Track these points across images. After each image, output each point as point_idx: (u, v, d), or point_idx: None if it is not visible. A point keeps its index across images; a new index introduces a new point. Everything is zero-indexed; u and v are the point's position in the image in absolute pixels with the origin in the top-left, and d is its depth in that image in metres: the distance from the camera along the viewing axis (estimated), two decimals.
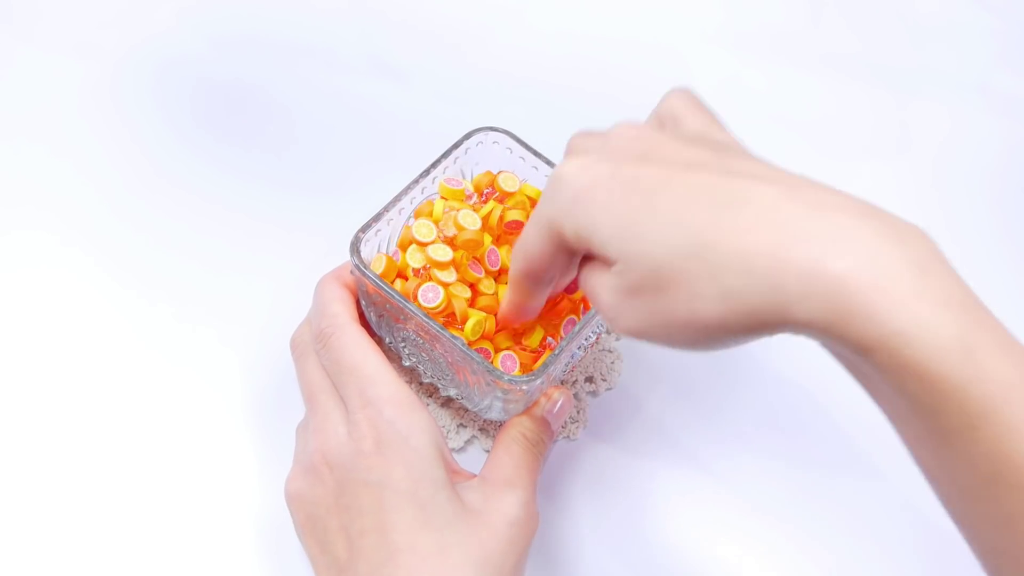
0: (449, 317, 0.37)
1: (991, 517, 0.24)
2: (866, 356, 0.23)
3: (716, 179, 0.26)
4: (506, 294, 0.35)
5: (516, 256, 0.32)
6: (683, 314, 0.25)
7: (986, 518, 0.24)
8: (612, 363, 0.45)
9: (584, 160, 0.28)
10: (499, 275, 0.39)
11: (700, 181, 0.26)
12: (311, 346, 0.37)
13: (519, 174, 0.42)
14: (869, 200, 0.25)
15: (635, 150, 0.28)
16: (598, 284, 0.29)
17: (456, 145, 0.41)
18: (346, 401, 0.35)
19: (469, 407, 0.40)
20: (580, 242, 0.28)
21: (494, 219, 0.39)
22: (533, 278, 0.32)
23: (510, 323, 0.37)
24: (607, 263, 0.28)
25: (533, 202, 0.41)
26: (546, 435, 0.38)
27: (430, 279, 0.37)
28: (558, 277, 0.33)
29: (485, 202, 0.41)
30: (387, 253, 0.39)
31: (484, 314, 0.37)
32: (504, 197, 0.41)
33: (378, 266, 0.38)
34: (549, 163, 0.41)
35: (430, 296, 0.37)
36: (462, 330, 0.37)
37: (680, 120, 0.30)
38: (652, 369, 0.46)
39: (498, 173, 0.41)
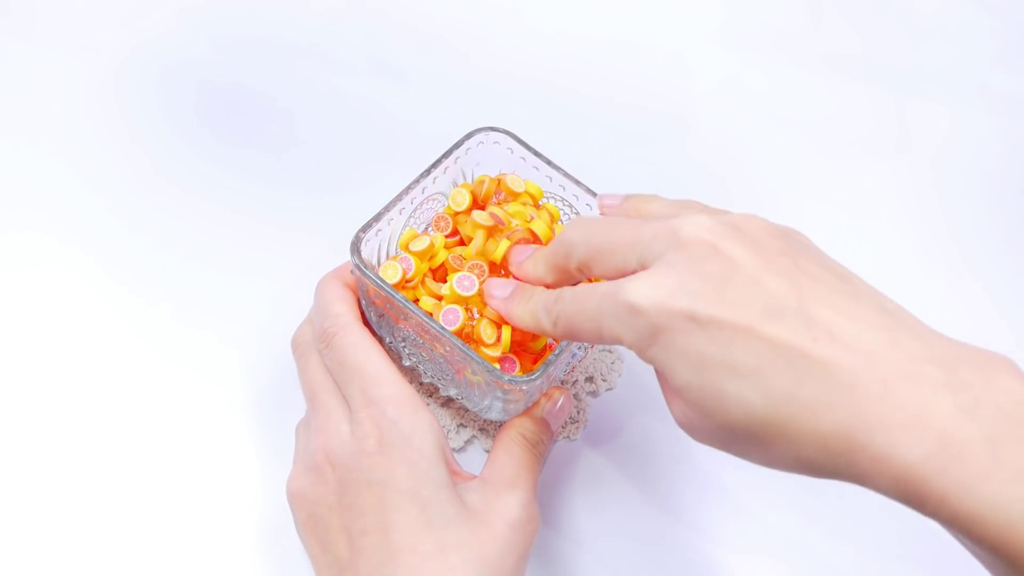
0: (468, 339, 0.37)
1: None
2: (943, 525, 0.24)
3: (796, 338, 0.25)
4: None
5: (558, 324, 0.32)
6: (759, 462, 0.27)
7: None
8: (612, 363, 0.45)
9: (655, 281, 0.27)
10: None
11: (781, 339, 0.25)
12: (313, 345, 0.38)
13: (520, 174, 0.42)
14: (941, 342, 0.26)
15: (711, 276, 0.27)
16: (672, 401, 0.29)
17: (456, 145, 0.41)
18: (349, 400, 0.35)
19: (469, 407, 0.40)
20: (651, 363, 0.29)
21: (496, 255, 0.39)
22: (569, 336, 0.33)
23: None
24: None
25: (534, 199, 0.41)
26: (546, 436, 0.38)
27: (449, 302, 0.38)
28: None
29: (484, 207, 0.41)
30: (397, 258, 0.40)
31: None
32: (509, 198, 0.41)
33: (393, 275, 0.38)
34: (549, 163, 0.41)
35: (450, 319, 0.37)
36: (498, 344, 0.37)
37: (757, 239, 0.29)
38: (652, 369, 0.45)
39: (502, 175, 0.41)
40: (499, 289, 0.35)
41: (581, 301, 0.30)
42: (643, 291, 0.27)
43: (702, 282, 0.27)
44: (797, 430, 0.25)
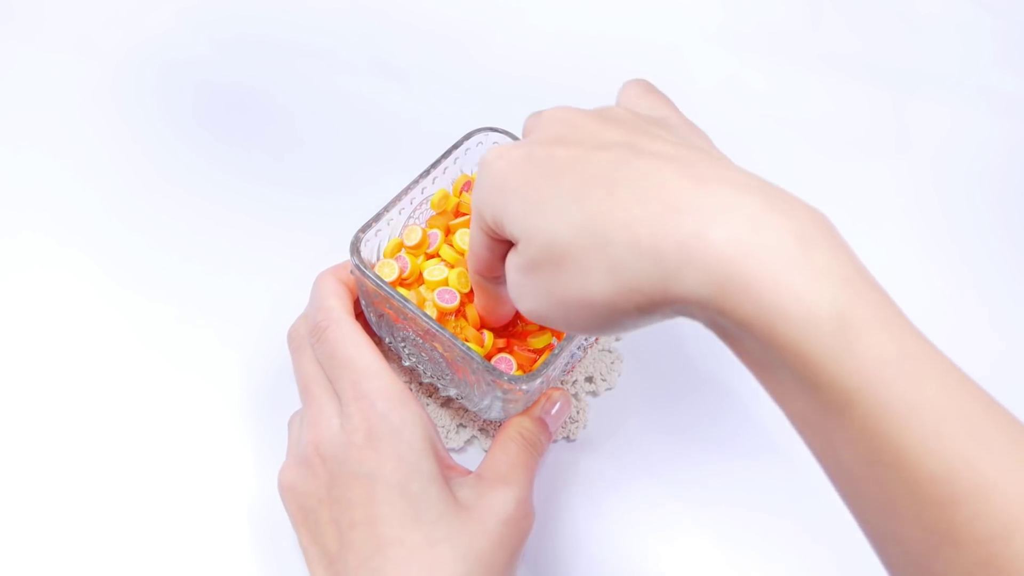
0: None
1: (872, 499, 0.23)
2: (746, 331, 0.22)
3: (620, 156, 0.25)
4: (475, 296, 0.36)
5: (469, 262, 0.33)
6: (576, 291, 0.25)
7: (868, 500, 0.23)
8: (612, 363, 0.45)
9: (508, 146, 0.29)
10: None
11: (605, 159, 0.26)
12: (307, 339, 0.38)
13: None
14: (768, 179, 0.24)
15: (554, 132, 0.28)
16: (508, 265, 0.29)
17: (456, 145, 0.41)
18: (340, 394, 0.35)
19: (469, 407, 0.40)
20: (498, 228, 0.28)
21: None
22: (482, 275, 0.33)
23: (488, 325, 0.38)
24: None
25: None
26: (544, 436, 0.38)
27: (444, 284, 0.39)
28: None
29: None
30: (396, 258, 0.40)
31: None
32: None
33: (390, 273, 0.38)
34: None
35: (447, 298, 0.37)
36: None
37: (632, 106, 0.31)
38: (652, 369, 0.46)
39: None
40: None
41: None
42: (495, 151, 0.28)
43: (546, 137, 0.28)
44: (608, 225, 0.24)
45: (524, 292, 0.28)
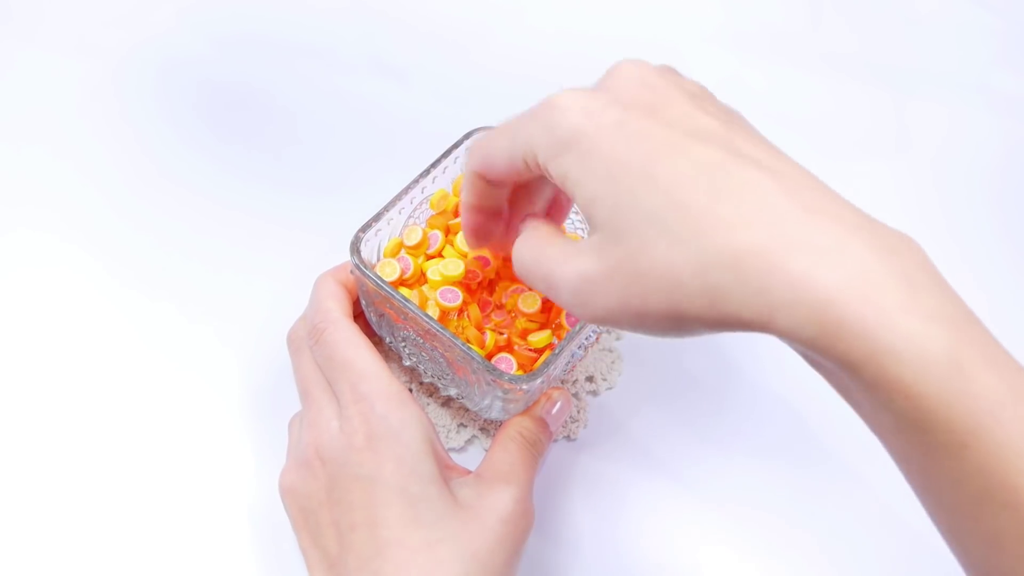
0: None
1: (979, 535, 0.23)
2: (852, 372, 0.22)
3: (721, 158, 0.24)
4: (462, 208, 0.34)
5: (476, 156, 0.30)
6: (663, 305, 0.24)
7: (974, 536, 0.23)
8: (612, 363, 0.45)
9: (589, 96, 0.26)
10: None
11: (706, 158, 0.24)
12: (306, 341, 0.38)
13: None
14: (863, 209, 0.24)
15: (645, 100, 0.26)
16: (562, 256, 0.27)
17: (456, 145, 0.41)
18: (339, 396, 0.35)
19: (469, 407, 0.40)
20: (558, 182, 0.26)
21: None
22: (488, 179, 0.31)
23: (475, 244, 0.35)
24: (566, 234, 0.26)
25: None
26: (544, 435, 0.38)
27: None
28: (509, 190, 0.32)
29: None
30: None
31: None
32: None
33: (391, 273, 0.38)
34: None
35: (450, 297, 0.37)
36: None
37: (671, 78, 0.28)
38: (652, 369, 0.46)
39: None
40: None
41: (508, 121, 0.28)
42: (571, 95, 0.26)
43: (635, 101, 0.26)
44: (713, 246, 0.23)
45: (596, 294, 0.26)
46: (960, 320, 0.22)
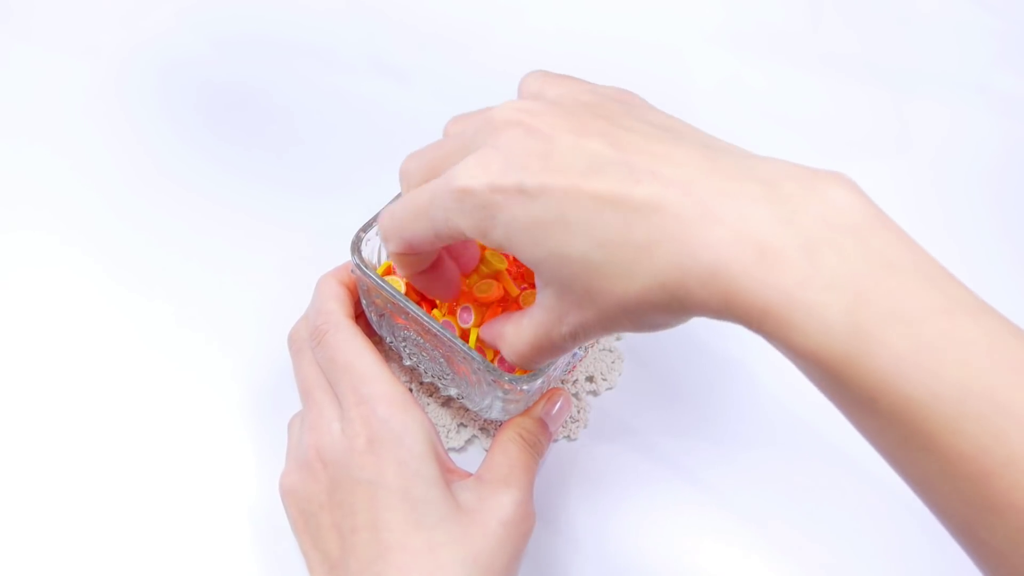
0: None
1: (913, 480, 0.25)
2: (774, 345, 0.24)
3: (620, 188, 0.25)
4: (410, 280, 0.34)
5: (394, 241, 0.31)
6: (614, 300, 0.26)
7: (911, 481, 0.25)
8: (612, 363, 0.45)
9: (484, 166, 0.27)
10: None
11: (606, 192, 0.26)
12: (307, 342, 0.38)
13: None
14: (780, 165, 0.26)
15: (533, 150, 0.27)
16: (527, 321, 0.30)
17: None
18: (340, 398, 0.35)
19: (469, 407, 0.40)
20: (501, 249, 0.28)
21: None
22: (416, 253, 0.32)
23: (448, 296, 0.36)
24: (516, 303, 0.30)
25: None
26: (544, 436, 0.38)
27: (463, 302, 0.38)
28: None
29: None
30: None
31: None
32: None
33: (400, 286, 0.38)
34: None
35: (465, 317, 0.37)
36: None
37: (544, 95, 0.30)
38: (653, 369, 0.46)
39: None
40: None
41: (413, 201, 0.30)
42: (471, 172, 0.27)
43: (525, 156, 0.27)
44: (635, 273, 0.25)
45: (561, 322, 0.29)
46: (860, 275, 0.23)
